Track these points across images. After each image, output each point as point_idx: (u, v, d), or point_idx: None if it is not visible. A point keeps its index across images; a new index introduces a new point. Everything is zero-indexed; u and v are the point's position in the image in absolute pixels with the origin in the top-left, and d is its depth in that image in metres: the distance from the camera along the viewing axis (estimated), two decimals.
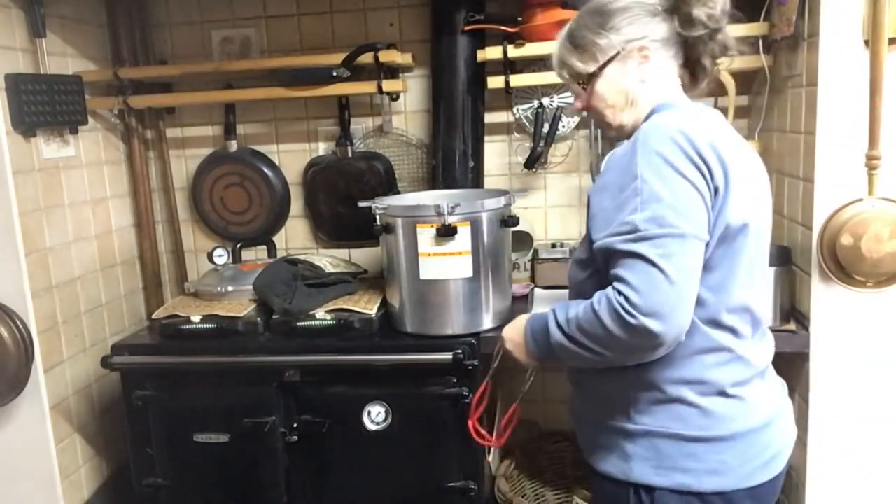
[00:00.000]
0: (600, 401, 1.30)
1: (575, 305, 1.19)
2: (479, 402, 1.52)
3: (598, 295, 1.14)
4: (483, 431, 1.52)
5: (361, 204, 1.91)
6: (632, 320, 1.08)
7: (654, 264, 1.08)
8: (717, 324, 1.19)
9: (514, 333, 1.36)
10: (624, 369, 1.21)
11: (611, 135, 1.34)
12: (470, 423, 1.51)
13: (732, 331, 1.20)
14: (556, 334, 1.21)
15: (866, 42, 1.55)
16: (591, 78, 1.27)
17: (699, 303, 1.14)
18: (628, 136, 1.25)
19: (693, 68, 1.30)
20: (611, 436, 1.28)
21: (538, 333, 1.27)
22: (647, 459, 1.24)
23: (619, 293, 1.10)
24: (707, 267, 1.15)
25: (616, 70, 1.26)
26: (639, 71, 1.25)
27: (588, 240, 1.21)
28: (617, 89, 1.27)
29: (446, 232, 1.75)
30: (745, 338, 1.23)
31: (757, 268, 1.22)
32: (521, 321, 1.35)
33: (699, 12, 1.22)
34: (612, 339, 1.12)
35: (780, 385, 1.34)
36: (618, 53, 1.24)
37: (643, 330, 1.08)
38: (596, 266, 1.21)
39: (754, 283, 1.21)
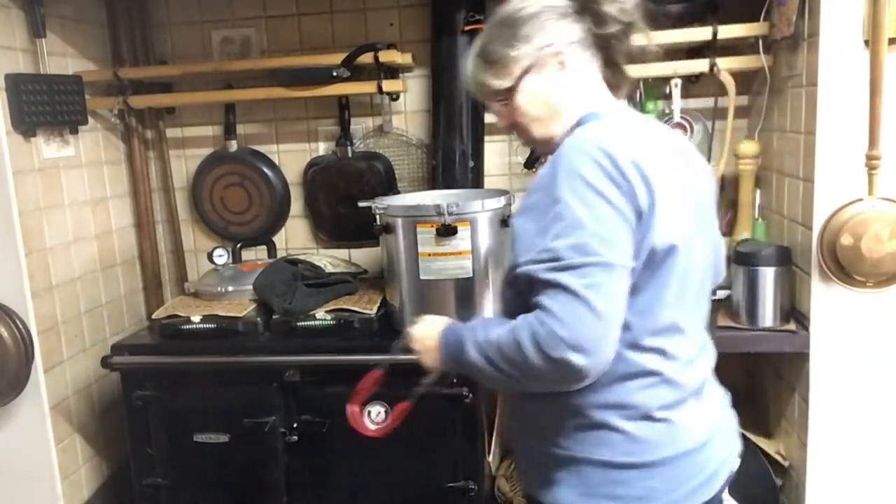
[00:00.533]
0: (527, 425, 1.26)
1: (497, 326, 1.13)
2: (368, 388, 1.43)
3: (521, 321, 1.08)
4: (362, 420, 1.43)
5: (361, 204, 1.91)
6: (554, 353, 1.03)
7: (578, 296, 1.02)
8: (641, 347, 1.14)
9: (427, 337, 1.27)
10: (547, 394, 1.17)
11: (543, 151, 1.28)
12: (348, 409, 1.41)
13: (660, 352, 1.15)
14: (471, 353, 1.15)
15: (866, 42, 1.55)
16: (510, 93, 1.22)
17: (623, 327, 1.09)
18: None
19: (612, 69, 1.25)
20: (538, 460, 1.24)
21: (452, 346, 1.20)
22: (573, 486, 1.19)
23: (542, 323, 1.04)
24: (632, 291, 1.10)
25: (533, 81, 1.20)
26: (557, 78, 1.20)
27: (512, 257, 1.15)
28: (538, 100, 1.21)
29: (446, 232, 1.75)
30: (677, 358, 1.16)
31: (690, 283, 1.16)
32: (435, 326, 1.27)
33: (610, 8, 1.18)
34: (532, 369, 1.06)
35: (720, 399, 1.29)
36: (532, 63, 1.19)
37: (565, 364, 1.03)
38: (520, 288, 1.13)
39: (685, 302, 1.16)
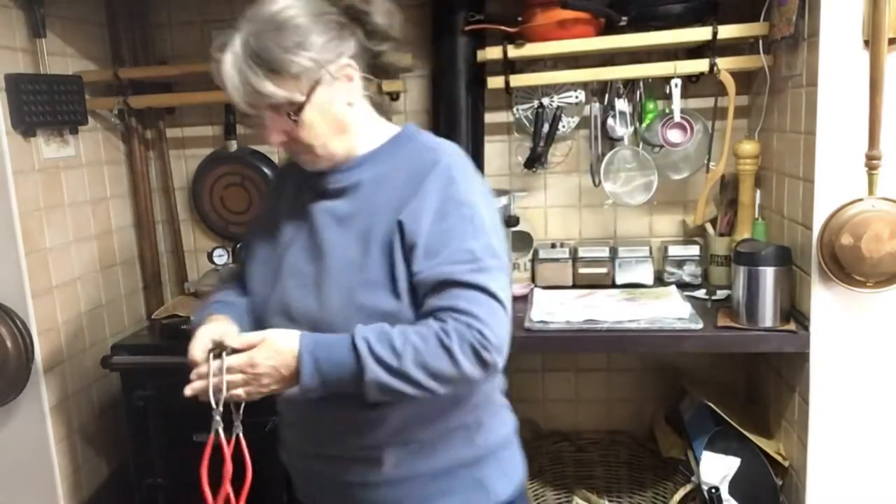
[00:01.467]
0: (442, 454, 1.20)
1: (401, 337, 1.05)
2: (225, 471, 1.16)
3: (441, 329, 1.04)
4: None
5: None
6: (487, 357, 1.03)
7: (496, 298, 1.06)
8: None
9: (278, 363, 1.07)
10: (473, 405, 1.21)
11: (318, 166, 1.19)
12: None
13: None
14: (375, 371, 1.03)
15: (866, 42, 1.55)
16: (300, 108, 1.10)
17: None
18: (333, 166, 1.18)
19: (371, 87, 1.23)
20: (458, 479, 1.20)
21: (334, 365, 1.06)
22: (498, 478, 1.23)
23: (470, 328, 1.03)
24: None
25: (324, 95, 1.11)
26: (346, 93, 1.14)
27: (389, 265, 1.11)
28: (329, 118, 1.13)
29: None
30: None
31: None
32: (283, 345, 1.07)
33: (383, 22, 1.16)
34: (461, 376, 1.04)
35: None
36: (322, 75, 1.10)
37: (493, 366, 1.05)
38: (397, 292, 1.10)
39: None
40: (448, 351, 1.03)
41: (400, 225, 1.10)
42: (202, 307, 1.28)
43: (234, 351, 1.08)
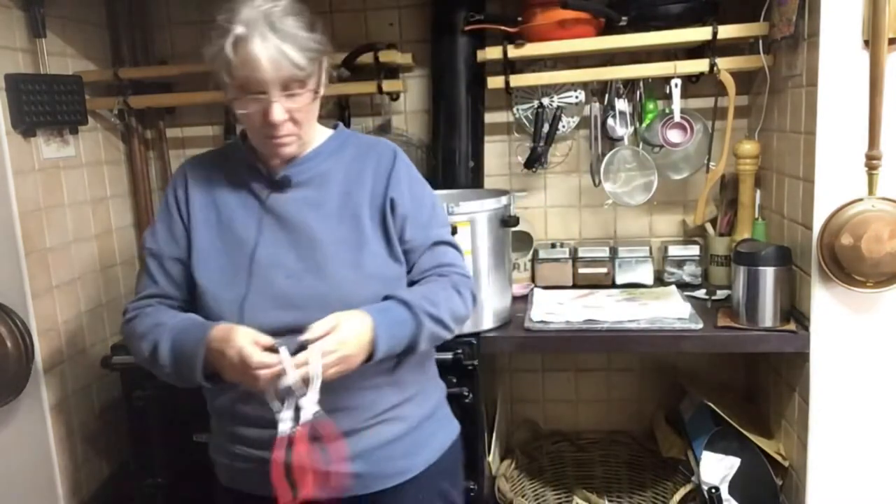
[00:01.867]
0: (428, 399, 1.38)
1: (429, 293, 1.24)
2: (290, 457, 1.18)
3: (446, 280, 1.27)
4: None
5: None
6: (477, 297, 1.32)
7: (461, 252, 1.35)
8: None
9: (360, 335, 1.13)
10: (433, 352, 1.43)
11: (290, 153, 1.24)
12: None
13: None
14: (427, 322, 1.20)
15: (866, 42, 1.55)
16: (318, 85, 1.22)
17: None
18: (291, 159, 1.27)
19: None
20: (439, 417, 1.40)
21: (399, 325, 1.17)
22: (452, 411, 1.45)
23: (464, 276, 1.29)
24: None
25: (323, 80, 1.25)
26: (323, 85, 1.25)
27: (385, 236, 1.27)
28: (318, 102, 1.25)
29: None
30: None
31: None
32: (357, 319, 1.13)
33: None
34: (467, 316, 1.30)
35: None
36: (325, 60, 1.23)
37: (475, 304, 1.32)
38: (397, 258, 1.28)
39: None
40: (462, 297, 1.26)
41: (392, 201, 1.27)
42: (171, 330, 1.24)
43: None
